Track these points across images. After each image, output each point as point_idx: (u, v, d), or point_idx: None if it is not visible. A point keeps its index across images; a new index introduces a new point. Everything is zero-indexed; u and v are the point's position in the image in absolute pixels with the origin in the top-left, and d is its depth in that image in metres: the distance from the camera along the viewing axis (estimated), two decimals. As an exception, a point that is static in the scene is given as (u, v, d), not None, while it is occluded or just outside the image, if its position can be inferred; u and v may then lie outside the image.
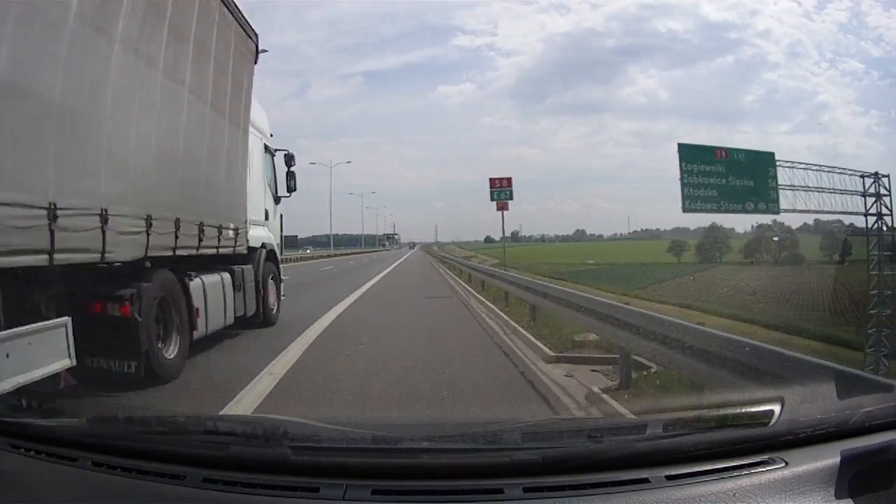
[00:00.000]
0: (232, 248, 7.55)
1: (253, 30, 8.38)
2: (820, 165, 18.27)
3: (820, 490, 1.40)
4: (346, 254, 67.80)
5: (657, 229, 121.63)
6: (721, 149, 18.11)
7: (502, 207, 19.44)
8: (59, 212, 4.03)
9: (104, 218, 4.64)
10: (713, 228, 53.02)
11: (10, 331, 3.74)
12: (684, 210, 17.63)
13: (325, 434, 1.89)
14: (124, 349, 5.04)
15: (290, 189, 10.77)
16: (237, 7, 7.69)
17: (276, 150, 10.43)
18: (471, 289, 17.99)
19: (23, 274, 3.99)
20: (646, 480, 1.44)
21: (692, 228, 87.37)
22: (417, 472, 1.55)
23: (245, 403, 4.81)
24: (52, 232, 4.00)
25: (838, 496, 1.39)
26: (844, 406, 1.84)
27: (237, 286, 7.61)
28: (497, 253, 78.99)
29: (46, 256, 4.01)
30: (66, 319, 4.20)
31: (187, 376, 5.79)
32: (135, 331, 5.08)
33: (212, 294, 6.79)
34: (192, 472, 1.54)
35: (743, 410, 1.87)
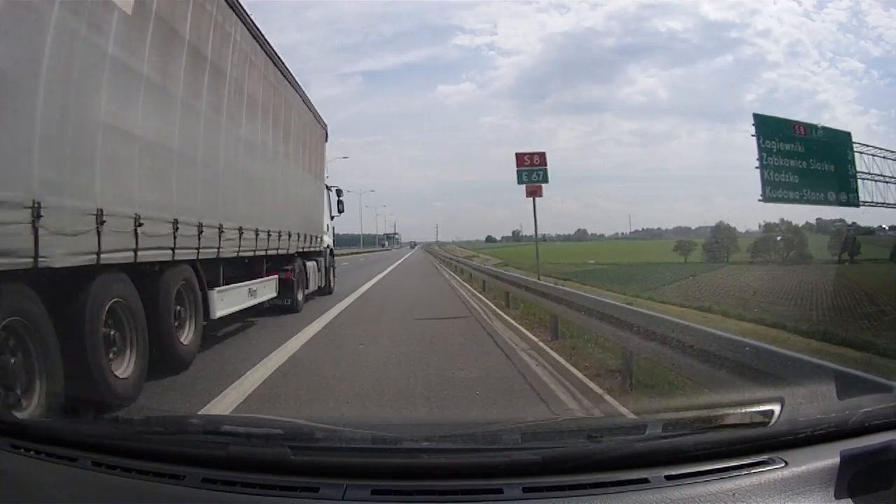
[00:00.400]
0: (318, 248, 13.39)
1: (325, 123, 14.58)
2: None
3: (819, 490, 1.40)
4: (342, 254, 67.26)
5: (658, 228, 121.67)
6: (799, 124, 15.18)
7: (533, 193, 14.15)
8: (281, 232, 9.78)
9: (289, 235, 10.30)
10: (720, 227, 52.35)
11: (261, 278, 9.08)
12: (765, 199, 14.55)
13: (325, 434, 1.89)
14: (287, 294, 10.49)
15: (340, 211, 17.01)
16: (320, 116, 13.86)
17: (329, 187, 16.10)
18: (488, 301, 13.24)
19: (261, 257, 8.93)
20: (645, 480, 1.44)
21: (693, 228, 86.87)
22: (417, 472, 1.55)
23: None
24: (279, 239, 9.59)
25: (838, 496, 1.40)
26: (844, 406, 1.84)
27: (318, 269, 13.39)
28: (499, 253, 78.01)
29: (276, 250, 9.52)
30: (276, 276, 9.86)
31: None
32: (292, 285, 10.65)
33: (311, 271, 12.51)
34: (192, 472, 1.54)
35: (742, 410, 1.87)
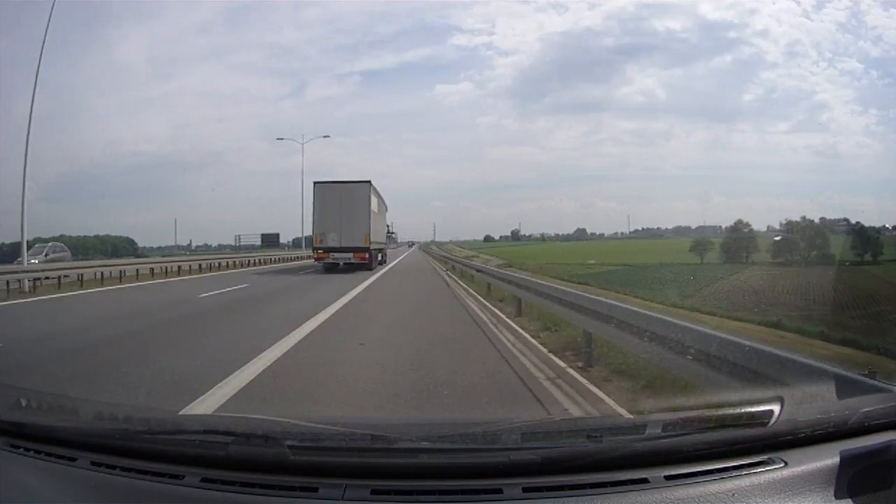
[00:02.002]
0: (384, 248, 35.46)
1: (387, 204, 37.15)
2: None
3: (819, 490, 1.40)
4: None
5: (658, 228, 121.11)
6: None
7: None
8: (380, 243, 34.31)
9: (380, 243, 33.33)
10: (738, 226, 50.51)
11: (380, 254, 35.50)
12: None
13: (324, 434, 1.89)
14: (382, 259, 33.48)
15: (389, 234, 45.67)
16: (385, 203, 36.31)
17: (388, 224, 42.33)
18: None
19: (372, 248, 28.49)
20: (645, 481, 1.44)
21: (693, 227, 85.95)
22: (416, 471, 1.55)
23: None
24: (381, 245, 33.94)
25: (838, 496, 1.40)
26: (844, 406, 1.83)
27: (385, 253, 35.90)
28: (499, 252, 76.50)
29: (378, 247, 31.97)
30: (380, 253, 33.47)
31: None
32: (384, 257, 35.26)
33: (383, 254, 34.92)
34: (191, 472, 1.55)
35: (742, 410, 1.85)
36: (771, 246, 42.68)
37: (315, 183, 27.78)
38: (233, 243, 73.28)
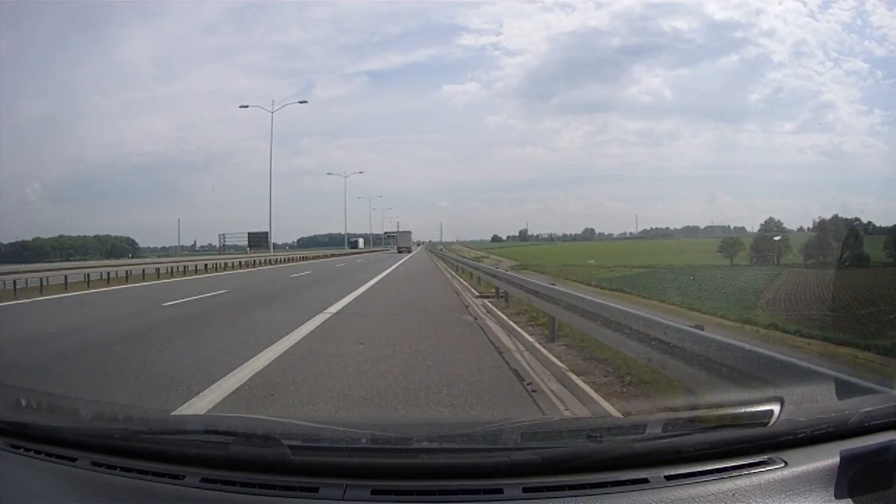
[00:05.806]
0: (412, 247, 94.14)
1: (411, 231, 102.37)
2: None
3: (819, 490, 1.40)
4: (304, 258, 51.70)
5: (667, 228, 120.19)
6: None
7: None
8: (411, 244, 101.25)
9: (412, 245, 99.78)
10: (769, 226, 48.43)
11: (420, 245, 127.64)
12: None
13: (325, 434, 1.89)
14: (410, 250, 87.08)
15: (413, 241, 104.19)
16: (410, 232, 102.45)
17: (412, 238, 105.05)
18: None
19: (410, 246, 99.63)
20: (645, 481, 1.44)
21: (702, 227, 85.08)
22: (417, 472, 1.55)
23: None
24: (414, 247, 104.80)
25: (838, 496, 1.39)
26: (844, 406, 1.82)
27: (412, 248, 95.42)
28: (512, 253, 75.58)
29: (411, 246, 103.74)
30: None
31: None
32: (411, 250, 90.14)
33: (411, 248, 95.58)
34: (192, 472, 1.55)
35: (742, 410, 1.85)
36: (803, 247, 40.55)
37: (399, 231, 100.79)
38: (227, 243, 73.74)
